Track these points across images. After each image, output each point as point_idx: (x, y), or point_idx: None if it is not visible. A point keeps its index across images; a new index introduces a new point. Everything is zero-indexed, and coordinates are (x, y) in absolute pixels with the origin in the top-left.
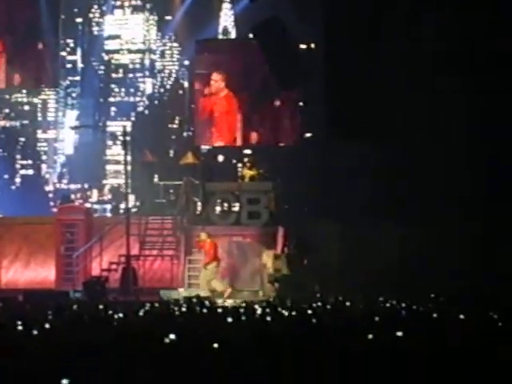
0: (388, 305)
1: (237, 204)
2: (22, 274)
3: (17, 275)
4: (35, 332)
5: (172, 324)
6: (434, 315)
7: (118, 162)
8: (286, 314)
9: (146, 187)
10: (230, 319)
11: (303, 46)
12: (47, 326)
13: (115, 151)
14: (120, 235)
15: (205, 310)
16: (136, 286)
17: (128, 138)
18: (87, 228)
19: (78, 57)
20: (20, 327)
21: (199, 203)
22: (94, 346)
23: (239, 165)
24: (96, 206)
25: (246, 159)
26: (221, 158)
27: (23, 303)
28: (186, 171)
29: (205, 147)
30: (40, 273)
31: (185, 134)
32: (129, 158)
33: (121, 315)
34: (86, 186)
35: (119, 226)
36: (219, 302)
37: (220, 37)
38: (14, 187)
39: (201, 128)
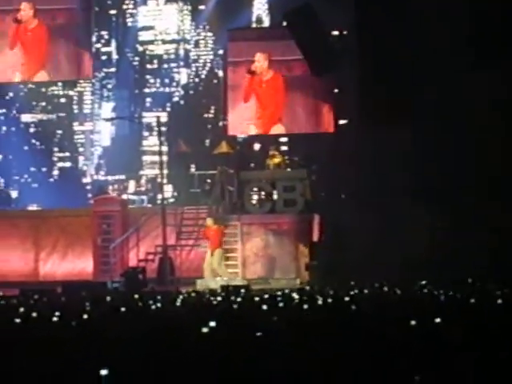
0: (425, 291)
1: (272, 192)
2: (60, 265)
3: (54, 267)
4: (74, 323)
5: (210, 313)
6: (472, 301)
7: (154, 153)
8: (322, 301)
9: (182, 177)
10: (265, 307)
11: (335, 33)
12: (86, 316)
13: (151, 142)
14: (156, 225)
15: (239, 299)
16: (173, 276)
17: (164, 129)
18: (123, 219)
19: (112, 48)
20: (59, 319)
21: (234, 192)
22: (132, 336)
23: (276, 152)
24: (133, 197)
25: (270, 148)
26: (257, 147)
27: (62, 295)
28: (220, 160)
29: (241, 136)
30: (77, 264)
31: (220, 123)
32: (165, 148)
33: (159, 305)
34: (123, 177)
35: (155, 216)
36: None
37: (254, 25)
38: (51, 180)
39: (235, 116)
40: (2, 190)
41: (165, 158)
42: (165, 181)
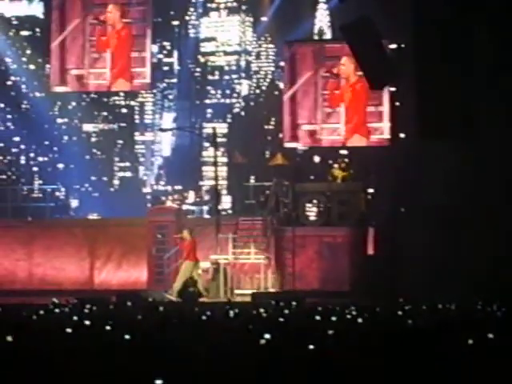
0: (479, 307)
1: (327, 204)
2: (115, 274)
3: (109, 276)
4: (127, 333)
5: (265, 324)
6: None
7: (214, 164)
8: (375, 315)
9: (238, 188)
10: (318, 317)
11: (393, 46)
12: (140, 326)
13: (211, 153)
14: (211, 236)
15: (286, 311)
16: (227, 286)
17: (224, 140)
18: (178, 229)
19: (174, 59)
20: (112, 328)
21: (289, 204)
22: (184, 346)
23: (335, 165)
24: (193, 208)
25: (339, 160)
26: (317, 159)
27: (116, 304)
28: (276, 172)
29: (302, 148)
30: (132, 274)
31: (280, 135)
32: (224, 159)
33: (211, 316)
34: (183, 187)
35: (210, 226)
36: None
37: (315, 37)
38: (112, 189)
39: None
40: (59, 199)
41: (224, 168)
42: (224, 192)
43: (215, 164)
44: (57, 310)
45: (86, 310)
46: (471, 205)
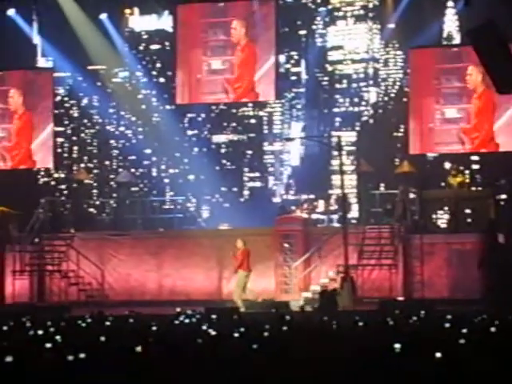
0: None
1: (455, 211)
2: None
3: None
4: (256, 342)
5: (393, 333)
6: None
7: (343, 172)
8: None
9: (365, 197)
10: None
11: None
12: (268, 335)
13: None
14: (338, 245)
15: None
16: (355, 295)
17: (352, 148)
18: (305, 238)
19: (302, 69)
20: (242, 337)
21: (416, 211)
22: (314, 355)
23: (466, 172)
24: (322, 217)
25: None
26: (447, 166)
27: (244, 313)
28: (402, 180)
29: (431, 155)
30: (259, 283)
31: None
32: (353, 167)
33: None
34: (313, 196)
35: (337, 235)
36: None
37: (444, 42)
38: (242, 199)
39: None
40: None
41: (354, 177)
42: (354, 200)
43: (341, 173)
44: (186, 321)
45: (214, 319)
46: None
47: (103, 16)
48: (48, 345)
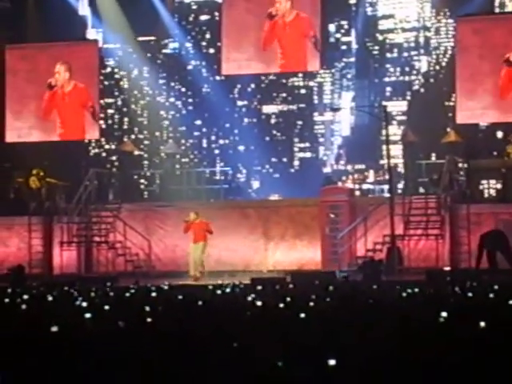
0: None
1: (503, 181)
2: (288, 255)
3: (283, 257)
4: (302, 312)
5: (442, 304)
6: None
7: (394, 142)
8: None
9: (411, 167)
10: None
11: None
12: (313, 304)
13: (391, 131)
14: (384, 215)
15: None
16: (401, 265)
17: (404, 118)
18: (351, 209)
19: (352, 38)
20: (286, 307)
21: (463, 181)
22: (358, 326)
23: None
24: (372, 187)
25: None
26: (500, 135)
27: (291, 284)
28: (449, 149)
29: (483, 124)
30: (305, 254)
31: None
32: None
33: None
34: (363, 166)
35: (383, 206)
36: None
37: (497, 10)
38: (292, 170)
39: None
40: (237, 180)
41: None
42: (401, 170)
43: (387, 143)
44: (234, 290)
45: (259, 290)
46: None
47: None
48: (92, 315)
